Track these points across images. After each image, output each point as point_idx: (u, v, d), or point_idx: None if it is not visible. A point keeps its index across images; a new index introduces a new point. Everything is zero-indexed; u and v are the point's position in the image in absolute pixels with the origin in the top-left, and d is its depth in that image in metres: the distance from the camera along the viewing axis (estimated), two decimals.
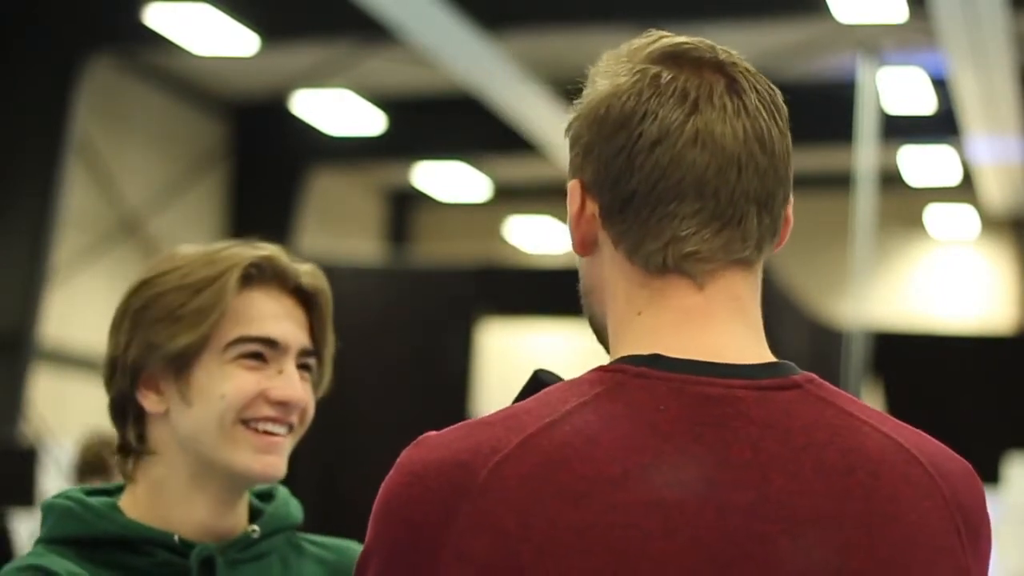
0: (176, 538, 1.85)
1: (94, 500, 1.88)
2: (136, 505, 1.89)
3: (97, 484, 1.95)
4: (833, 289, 16.52)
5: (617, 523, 1.27)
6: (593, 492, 1.27)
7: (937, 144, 15.68)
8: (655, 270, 1.38)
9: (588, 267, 1.44)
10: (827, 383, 1.39)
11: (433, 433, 1.34)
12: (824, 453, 1.32)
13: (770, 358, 1.39)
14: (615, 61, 1.43)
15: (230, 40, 12.62)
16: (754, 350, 1.38)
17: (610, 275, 1.41)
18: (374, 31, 12.10)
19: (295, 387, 1.90)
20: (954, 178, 16.93)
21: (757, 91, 1.40)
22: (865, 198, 11.17)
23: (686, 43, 1.42)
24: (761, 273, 1.44)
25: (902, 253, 18.46)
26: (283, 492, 2.02)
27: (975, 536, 1.36)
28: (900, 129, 14.27)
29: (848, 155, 12.01)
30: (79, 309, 14.16)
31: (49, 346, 13.41)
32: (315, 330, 1.96)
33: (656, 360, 1.35)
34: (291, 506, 2.00)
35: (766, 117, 1.40)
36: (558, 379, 1.41)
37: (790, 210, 1.47)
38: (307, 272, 1.96)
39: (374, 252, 18.36)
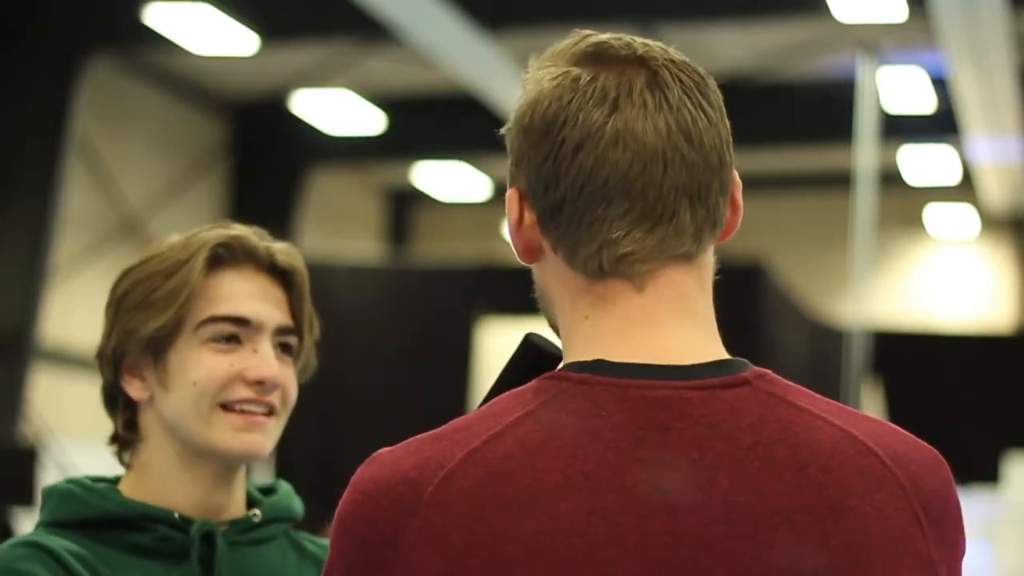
0: (176, 515, 1.87)
1: (92, 483, 1.91)
2: (132, 489, 1.91)
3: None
4: (833, 289, 16.51)
5: (561, 532, 1.26)
6: (536, 502, 1.26)
7: (937, 144, 15.68)
8: (594, 275, 1.37)
9: (538, 273, 1.43)
10: (781, 378, 1.36)
11: (385, 450, 1.34)
12: (772, 450, 1.30)
13: (720, 355, 1.36)
14: (540, 65, 1.41)
15: (230, 40, 12.62)
16: (703, 348, 1.36)
17: (556, 281, 1.40)
18: (374, 31, 12.10)
19: (270, 365, 1.89)
20: (954, 178, 16.93)
21: (681, 82, 1.37)
22: (865, 198, 11.17)
23: (608, 41, 1.39)
24: (710, 266, 1.41)
25: (902, 253, 18.46)
26: (285, 486, 2.03)
27: (939, 524, 1.33)
28: (900, 129, 14.27)
29: (848, 155, 12.01)
30: (79, 309, 14.16)
31: (49, 346, 13.42)
32: (294, 309, 1.94)
33: (599, 366, 1.33)
34: (293, 500, 2.01)
35: (691, 108, 1.36)
36: (549, 343, 1.41)
37: (738, 194, 1.43)
38: (281, 250, 1.95)
39: (374, 252, 18.36)
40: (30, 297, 12.47)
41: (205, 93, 15.89)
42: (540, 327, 1.47)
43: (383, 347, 10.27)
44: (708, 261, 1.40)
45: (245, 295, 1.90)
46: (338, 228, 18.18)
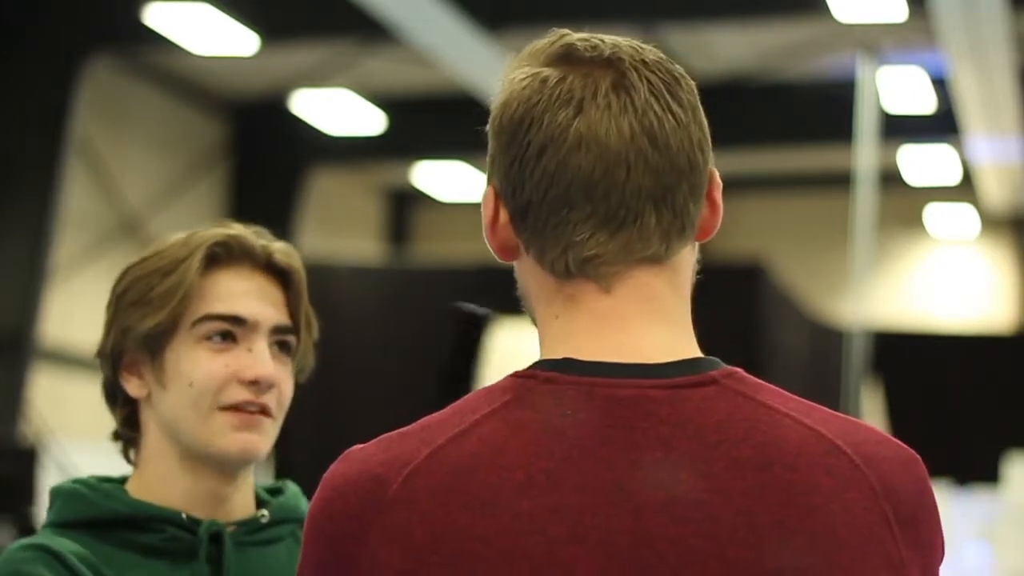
0: (184, 515, 1.88)
1: (98, 483, 1.91)
2: (137, 488, 1.91)
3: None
4: (833, 289, 16.51)
5: (523, 530, 1.26)
6: (498, 500, 1.27)
7: (937, 144, 15.68)
8: (561, 276, 1.37)
9: (517, 270, 1.44)
10: (750, 377, 1.36)
11: (357, 447, 1.35)
12: (738, 449, 1.29)
13: (691, 355, 1.36)
14: (516, 65, 1.41)
15: (230, 40, 12.62)
16: (673, 348, 1.35)
17: (530, 280, 1.41)
18: (374, 31, 12.10)
19: (265, 364, 1.88)
20: (954, 178, 16.94)
21: (650, 83, 1.36)
22: (865, 198, 11.17)
23: (578, 41, 1.39)
24: (686, 267, 1.40)
25: (902, 253, 18.46)
26: (293, 487, 2.03)
27: (910, 525, 1.32)
28: (900, 129, 14.26)
29: (848, 155, 12.01)
30: (79, 309, 14.15)
31: (49, 346, 13.42)
32: (291, 308, 1.94)
33: (566, 364, 1.33)
34: (300, 501, 2.01)
35: (658, 111, 1.36)
36: (480, 310, 1.44)
37: (717, 193, 1.41)
38: (279, 250, 1.96)
39: (374, 252, 18.36)
40: (30, 297, 12.47)
41: (205, 93, 15.89)
42: None
43: (383, 347, 10.26)
44: (682, 263, 1.39)
45: (241, 294, 1.91)
46: (338, 228, 18.18)
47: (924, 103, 14.39)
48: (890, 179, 15.61)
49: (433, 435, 1.31)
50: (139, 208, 15.12)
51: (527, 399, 1.32)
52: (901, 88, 13.90)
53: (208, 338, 1.89)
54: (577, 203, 1.34)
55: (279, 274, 1.94)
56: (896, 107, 14.20)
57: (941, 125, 14.65)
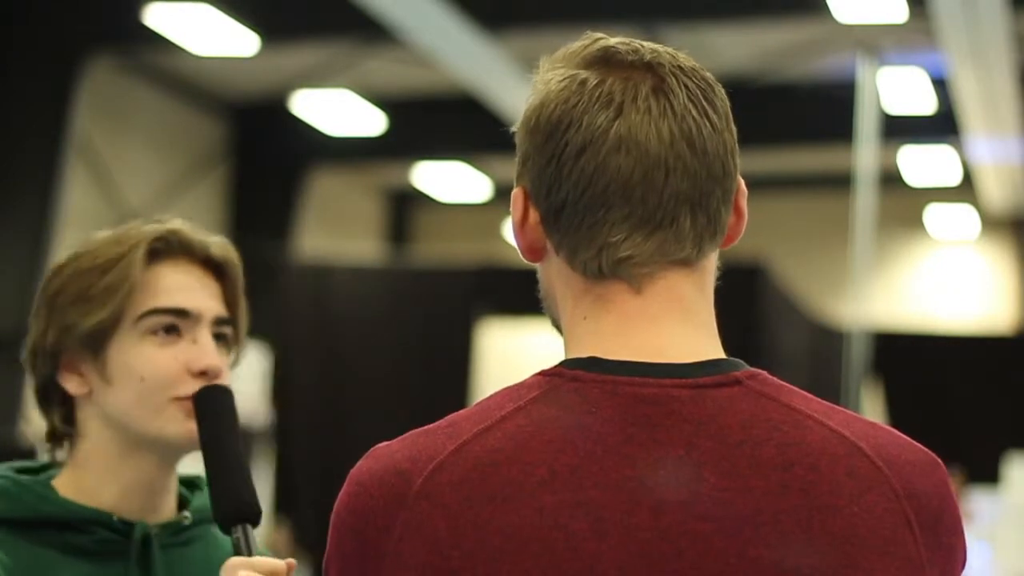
0: (115, 518, 1.90)
1: (26, 479, 1.92)
2: (68, 485, 1.93)
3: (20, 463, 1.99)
4: (833, 289, 16.51)
5: (544, 525, 1.27)
6: (521, 495, 1.28)
7: (937, 144, 15.68)
8: (593, 276, 1.38)
9: (542, 272, 1.45)
10: (774, 378, 1.37)
11: (383, 444, 1.36)
12: (761, 449, 1.31)
13: (716, 356, 1.38)
14: (550, 66, 1.42)
15: (230, 40, 12.62)
16: (698, 349, 1.37)
17: (558, 281, 1.42)
18: (374, 31, 12.11)
19: (211, 355, 1.92)
20: (954, 178, 16.94)
21: (687, 88, 1.38)
22: (865, 198, 11.18)
23: (617, 45, 1.40)
24: (712, 272, 1.42)
25: (902, 253, 18.46)
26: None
27: (932, 528, 1.33)
28: (900, 129, 14.27)
29: (848, 155, 12.02)
30: None
31: None
32: (228, 299, 1.98)
33: (592, 363, 1.35)
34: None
35: (696, 116, 1.38)
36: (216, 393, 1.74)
37: (742, 201, 1.44)
38: (216, 243, 1.99)
39: (374, 252, 18.36)
40: (30, 297, 12.43)
41: (205, 93, 15.89)
42: (540, 327, 1.48)
43: (383, 347, 10.28)
44: (709, 267, 1.42)
45: (184, 287, 1.94)
46: (338, 228, 18.18)
47: (924, 103, 14.38)
48: (890, 179, 15.61)
49: (459, 431, 1.33)
50: (139, 208, 15.11)
51: (552, 396, 1.34)
52: (901, 88, 13.90)
53: (154, 332, 1.92)
54: (614, 204, 1.36)
55: (216, 267, 1.98)
56: (896, 107, 14.20)
57: (941, 125, 14.65)
